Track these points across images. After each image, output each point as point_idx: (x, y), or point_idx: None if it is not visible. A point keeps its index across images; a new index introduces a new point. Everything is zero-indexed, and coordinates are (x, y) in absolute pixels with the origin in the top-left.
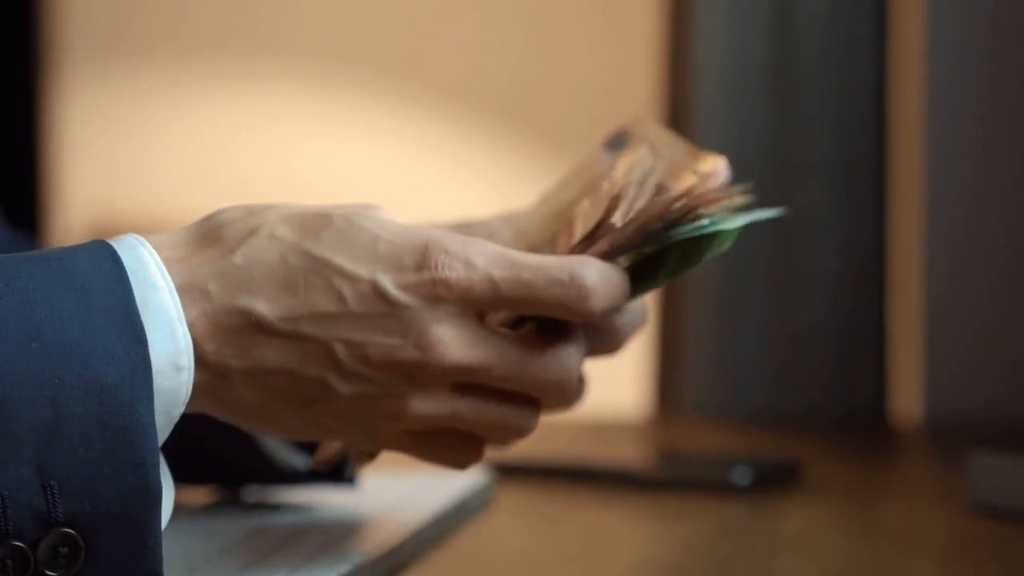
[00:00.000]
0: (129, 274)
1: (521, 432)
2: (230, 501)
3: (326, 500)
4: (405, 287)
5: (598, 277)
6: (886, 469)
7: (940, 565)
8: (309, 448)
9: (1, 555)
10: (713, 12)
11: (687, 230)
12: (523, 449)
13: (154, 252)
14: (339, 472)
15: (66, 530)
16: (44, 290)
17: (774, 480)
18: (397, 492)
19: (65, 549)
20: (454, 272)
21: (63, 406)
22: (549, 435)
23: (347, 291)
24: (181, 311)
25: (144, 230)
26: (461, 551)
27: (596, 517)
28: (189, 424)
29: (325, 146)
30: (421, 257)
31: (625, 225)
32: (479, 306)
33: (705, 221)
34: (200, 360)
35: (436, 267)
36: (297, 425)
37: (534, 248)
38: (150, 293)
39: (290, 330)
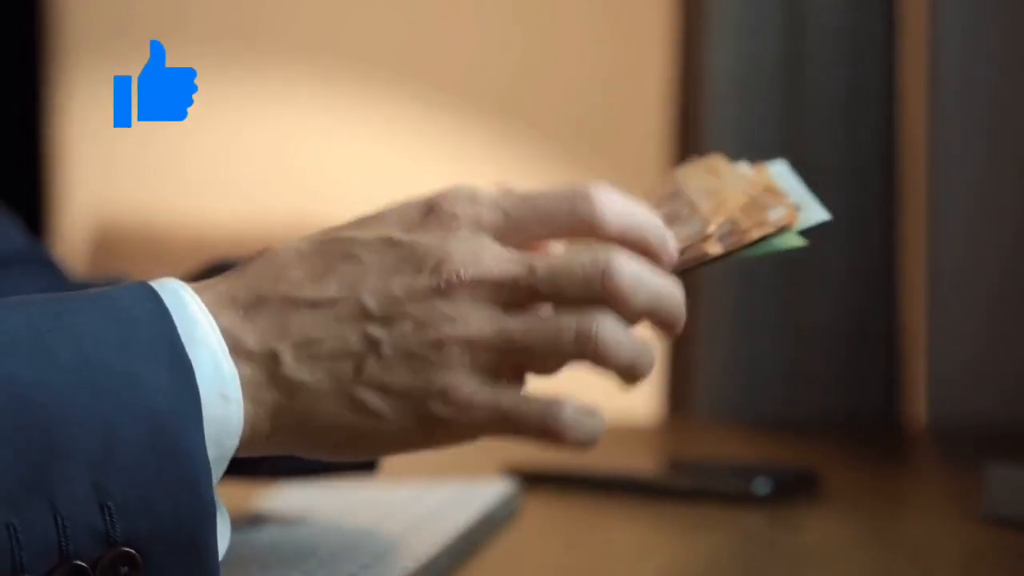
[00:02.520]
0: (171, 310)
1: (585, 339)
2: (253, 521)
3: (351, 515)
4: (414, 231)
5: (603, 188)
6: (900, 477)
7: None
8: None
9: (63, 574)
10: (724, 17)
11: (756, 250)
12: (545, 457)
13: (190, 289)
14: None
15: (125, 549)
16: (91, 324)
17: (793, 490)
18: (426, 505)
19: (125, 568)
20: (461, 207)
21: (115, 431)
22: None
23: (360, 251)
24: (224, 344)
25: (145, 228)
26: (491, 566)
27: (620, 528)
28: None
29: (326, 144)
30: (426, 206)
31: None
32: (490, 232)
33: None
34: (247, 353)
35: (443, 206)
36: (358, 410)
37: None
38: (192, 328)
39: (318, 298)
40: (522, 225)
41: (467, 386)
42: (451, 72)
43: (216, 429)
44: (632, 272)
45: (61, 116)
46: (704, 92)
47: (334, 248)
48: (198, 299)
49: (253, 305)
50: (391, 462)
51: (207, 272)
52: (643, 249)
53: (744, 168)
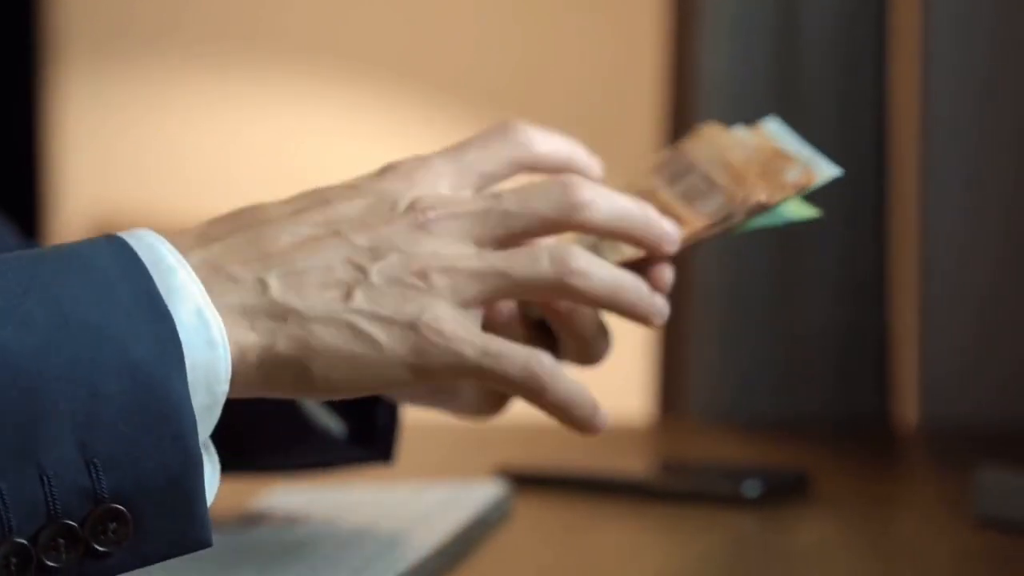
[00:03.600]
0: (146, 264)
1: (561, 262)
2: (246, 522)
3: (343, 516)
4: (376, 182)
5: (528, 129)
6: (891, 479)
7: None
8: (345, 416)
9: (52, 534)
10: (717, 18)
11: (774, 219)
12: (536, 458)
13: (166, 240)
14: (377, 444)
15: (113, 505)
16: (66, 283)
17: (783, 492)
18: (419, 506)
19: (114, 524)
20: (412, 163)
21: (98, 386)
22: (556, 441)
23: (332, 196)
24: (204, 292)
25: (144, 227)
26: (482, 567)
27: (611, 530)
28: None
29: (323, 142)
30: (380, 169)
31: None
32: (440, 172)
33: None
34: (233, 280)
35: (398, 166)
36: (357, 337)
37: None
38: (170, 277)
39: (298, 227)
40: (469, 165)
41: (455, 317)
42: (450, 72)
43: (204, 376)
44: (595, 191)
45: (57, 116)
46: (697, 93)
47: (307, 195)
48: (172, 247)
49: (234, 240)
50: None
51: None
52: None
53: (743, 133)
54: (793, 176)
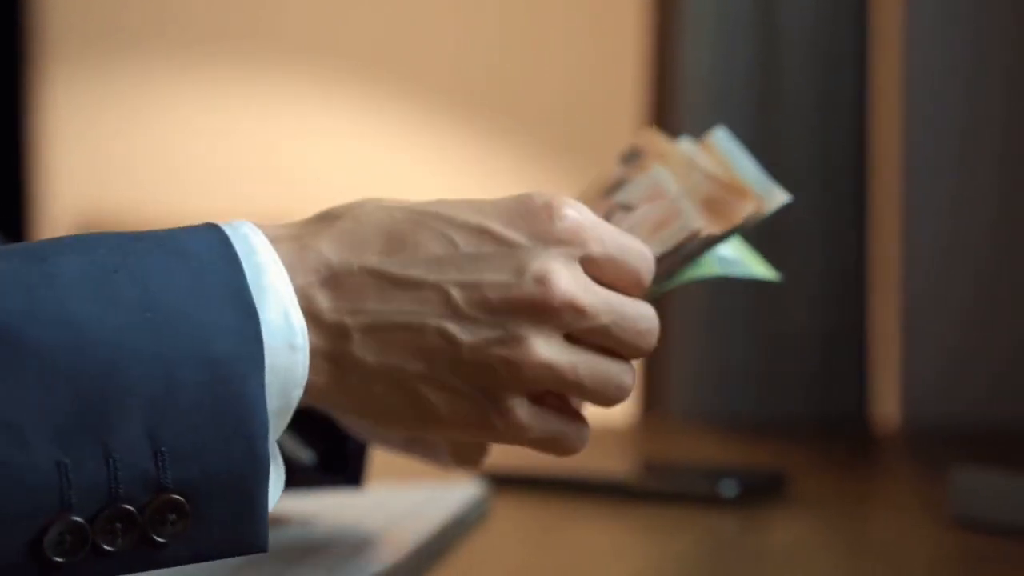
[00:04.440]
0: (240, 257)
1: (625, 390)
2: None
3: (321, 517)
4: (516, 227)
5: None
6: (869, 479)
7: None
8: (314, 447)
9: (111, 517)
10: (698, 21)
11: (694, 273)
12: (516, 458)
13: (263, 236)
14: (348, 470)
15: (175, 496)
16: (158, 266)
17: (760, 491)
18: (397, 507)
19: (173, 515)
20: (562, 218)
21: (175, 374)
22: None
23: (457, 236)
24: (293, 294)
25: (130, 226)
26: (460, 567)
27: (589, 530)
28: None
29: (312, 141)
30: (525, 205)
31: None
32: (585, 248)
33: (711, 263)
34: (317, 320)
35: (544, 212)
36: (413, 403)
37: None
38: (262, 275)
39: (403, 276)
40: (611, 264)
41: (526, 410)
42: (437, 70)
43: (282, 378)
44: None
45: (45, 115)
46: (678, 96)
47: (428, 223)
48: (270, 247)
49: (332, 271)
50: None
51: None
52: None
53: (691, 148)
54: (747, 209)
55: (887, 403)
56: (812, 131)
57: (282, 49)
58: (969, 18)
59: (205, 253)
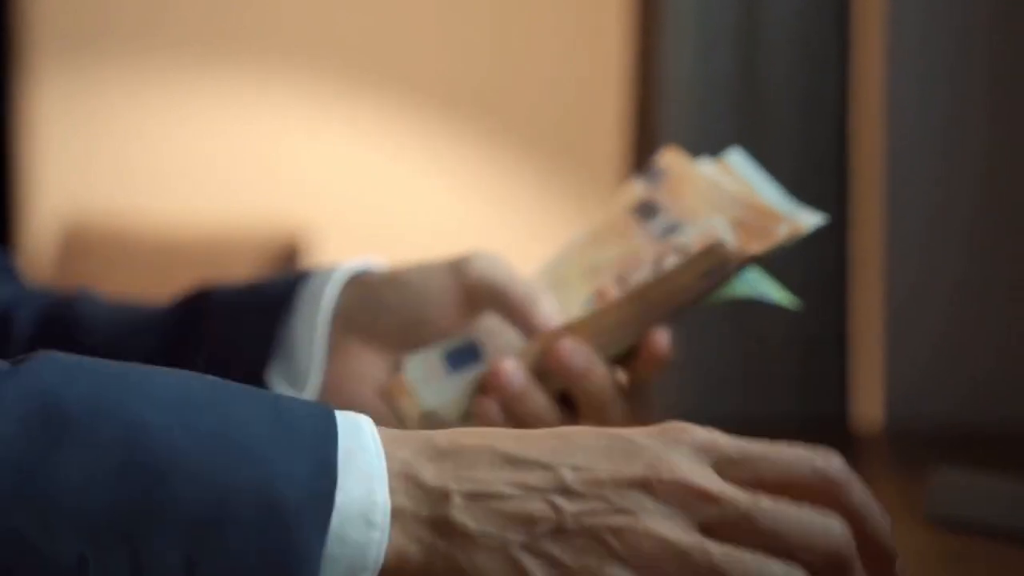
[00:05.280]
0: (339, 430)
1: None
2: None
3: None
4: (639, 437)
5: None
6: None
7: None
8: None
9: None
10: (680, 24)
11: (727, 293)
12: None
13: (372, 424)
14: None
15: None
16: (244, 407)
17: None
18: None
19: None
20: (692, 430)
21: (229, 503)
22: None
23: (575, 435)
24: (384, 469)
25: (115, 230)
26: None
27: None
28: None
29: (301, 143)
30: (655, 428)
31: (671, 292)
32: (715, 459)
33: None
34: (418, 484)
35: (673, 426)
36: (514, 571)
37: (579, 300)
38: (357, 453)
39: (517, 454)
40: (750, 466)
41: None
42: (426, 72)
43: (351, 553)
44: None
45: (30, 118)
46: (661, 98)
47: (550, 431)
48: (375, 431)
49: (440, 451)
50: None
51: (190, 298)
52: (867, 544)
53: (712, 171)
54: (782, 230)
55: (869, 404)
56: (794, 132)
57: (271, 53)
58: (952, 18)
59: (302, 416)
